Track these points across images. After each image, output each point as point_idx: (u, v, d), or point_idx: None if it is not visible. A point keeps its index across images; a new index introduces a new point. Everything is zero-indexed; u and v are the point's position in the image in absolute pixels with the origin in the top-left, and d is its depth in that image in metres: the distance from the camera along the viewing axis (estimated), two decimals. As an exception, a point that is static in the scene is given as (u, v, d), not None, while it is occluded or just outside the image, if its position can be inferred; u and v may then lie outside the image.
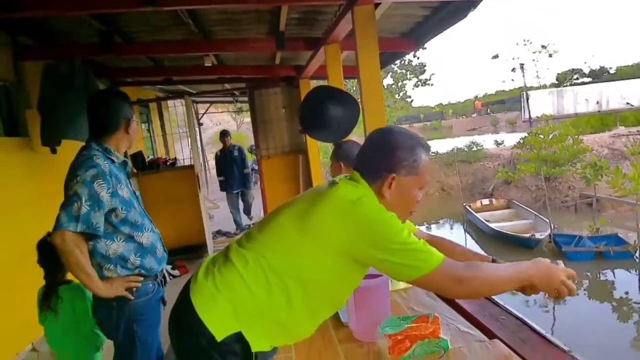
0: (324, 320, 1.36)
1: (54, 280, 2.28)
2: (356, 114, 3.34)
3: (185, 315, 1.24)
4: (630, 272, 9.01)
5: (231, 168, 7.65)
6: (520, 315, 1.66)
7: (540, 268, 1.23)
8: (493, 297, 1.84)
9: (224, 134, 7.84)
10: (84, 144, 2.05)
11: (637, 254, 9.12)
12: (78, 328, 2.27)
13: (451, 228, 14.22)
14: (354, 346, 1.61)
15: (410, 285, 2.09)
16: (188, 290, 1.28)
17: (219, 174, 7.91)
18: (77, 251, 1.81)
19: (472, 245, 12.00)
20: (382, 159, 1.28)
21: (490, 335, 1.57)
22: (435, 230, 14.32)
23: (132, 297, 1.96)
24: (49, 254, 2.04)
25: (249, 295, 1.21)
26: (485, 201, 13.91)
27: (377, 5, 3.05)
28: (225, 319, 1.20)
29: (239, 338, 1.19)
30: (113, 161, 2.00)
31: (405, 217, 1.33)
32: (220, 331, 1.19)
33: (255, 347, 1.20)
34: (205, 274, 1.30)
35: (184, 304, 1.26)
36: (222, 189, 8.02)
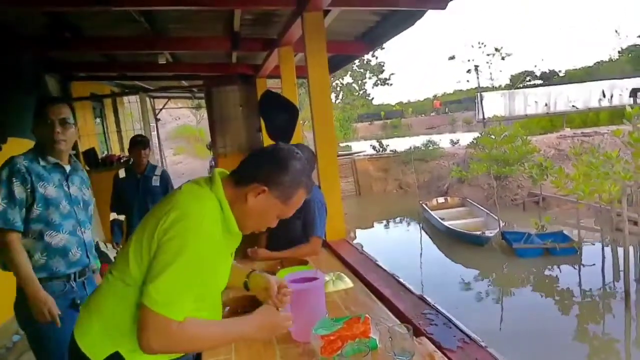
0: None
1: None
2: (296, 117, 3.62)
3: (70, 347, 1.34)
4: (574, 267, 9.54)
5: (142, 203, 3.89)
6: (447, 314, 1.77)
7: (264, 323, 1.41)
8: (424, 296, 1.96)
9: (136, 143, 4.01)
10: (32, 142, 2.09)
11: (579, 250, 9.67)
12: None
13: (408, 225, 14.54)
14: (291, 346, 1.67)
15: (351, 286, 2.19)
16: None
17: (114, 209, 4.10)
18: (6, 248, 1.89)
19: (428, 242, 12.35)
20: (268, 170, 1.32)
21: (419, 333, 1.67)
22: (392, 228, 14.62)
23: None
24: None
25: (114, 315, 1.28)
26: (441, 199, 14.29)
27: (326, 12, 3.13)
28: (99, 342, 1.28)
29: (118, 356, 1.26)
30: (39, 162, 2.02)
31: (251, 230, 1.39)
32: (97, 355, 1.27)
33: None
34: (85, 304, 1.40)
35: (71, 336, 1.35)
36: (115, 239, 4.00)
